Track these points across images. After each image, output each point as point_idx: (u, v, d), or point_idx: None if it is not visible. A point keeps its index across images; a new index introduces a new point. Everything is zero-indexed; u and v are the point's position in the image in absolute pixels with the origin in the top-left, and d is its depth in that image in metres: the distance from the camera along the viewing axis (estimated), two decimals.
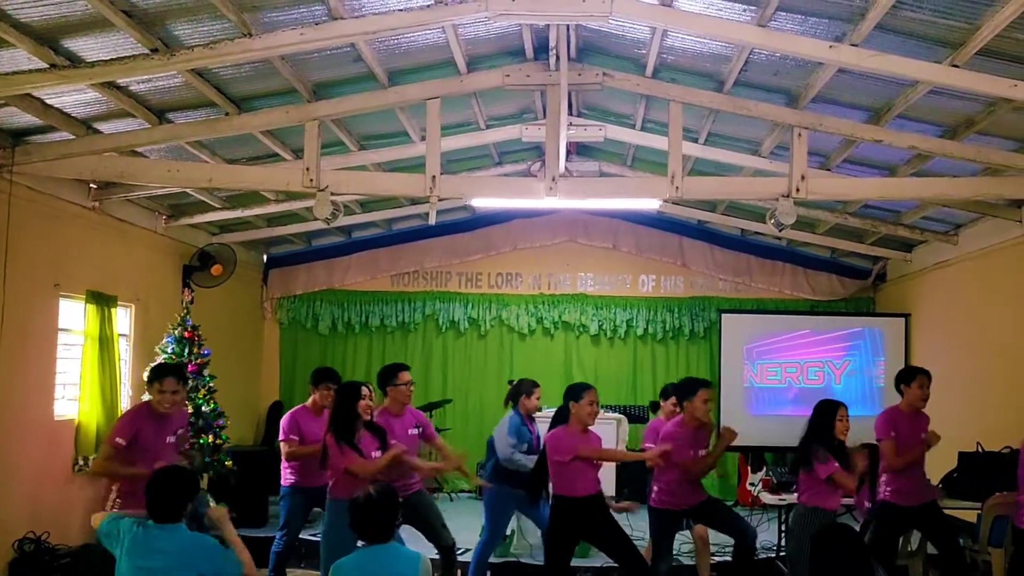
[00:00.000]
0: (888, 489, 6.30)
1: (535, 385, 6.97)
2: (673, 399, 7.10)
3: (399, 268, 12.23)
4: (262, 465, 9.11)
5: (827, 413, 5.82)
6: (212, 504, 4.27)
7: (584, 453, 5.85)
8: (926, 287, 10.34)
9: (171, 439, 5.83)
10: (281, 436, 6.67)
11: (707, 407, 6.25)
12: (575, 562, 7.01)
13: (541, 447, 6.30)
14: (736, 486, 11.06)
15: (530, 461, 6.47)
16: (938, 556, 6.44)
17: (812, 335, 10.94)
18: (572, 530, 5.94)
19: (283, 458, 6.70)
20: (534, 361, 12.01)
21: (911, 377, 6.45)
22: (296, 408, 6.86)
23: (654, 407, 9.18)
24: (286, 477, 6.72)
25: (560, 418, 6.03)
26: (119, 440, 5.59)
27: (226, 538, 4.20)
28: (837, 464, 5.63)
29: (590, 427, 6.02)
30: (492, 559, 7.36)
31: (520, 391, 6.90)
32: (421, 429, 6.48)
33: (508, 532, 8.19)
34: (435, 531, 6.45)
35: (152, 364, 7.04)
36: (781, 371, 10.88)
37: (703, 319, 12.08)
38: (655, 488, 6.39)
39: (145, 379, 5.98)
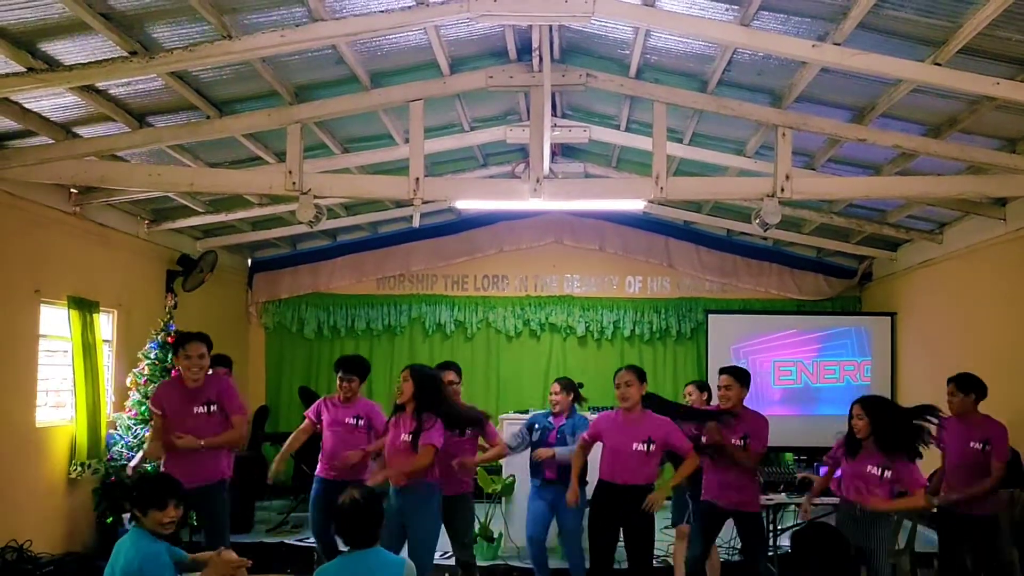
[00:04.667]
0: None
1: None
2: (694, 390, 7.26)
3: (385, 271, 12.20)
4: (248, 470, 9.05)
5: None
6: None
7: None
8: (912, 286, 10.36)
9: (200, 410, 5.86)
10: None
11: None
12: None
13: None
14: None
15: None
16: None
17: (799, 335, 10.97)
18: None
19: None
20: (521, 363, 12.04)
21: None
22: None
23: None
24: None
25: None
26: (154, 409, 5.91)
27: None
28: None
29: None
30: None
31: None
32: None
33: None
34: (456, 543, 6.49)
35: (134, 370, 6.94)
36: (765, 371, 10.86)
37: (690, 320, 12.06)
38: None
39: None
